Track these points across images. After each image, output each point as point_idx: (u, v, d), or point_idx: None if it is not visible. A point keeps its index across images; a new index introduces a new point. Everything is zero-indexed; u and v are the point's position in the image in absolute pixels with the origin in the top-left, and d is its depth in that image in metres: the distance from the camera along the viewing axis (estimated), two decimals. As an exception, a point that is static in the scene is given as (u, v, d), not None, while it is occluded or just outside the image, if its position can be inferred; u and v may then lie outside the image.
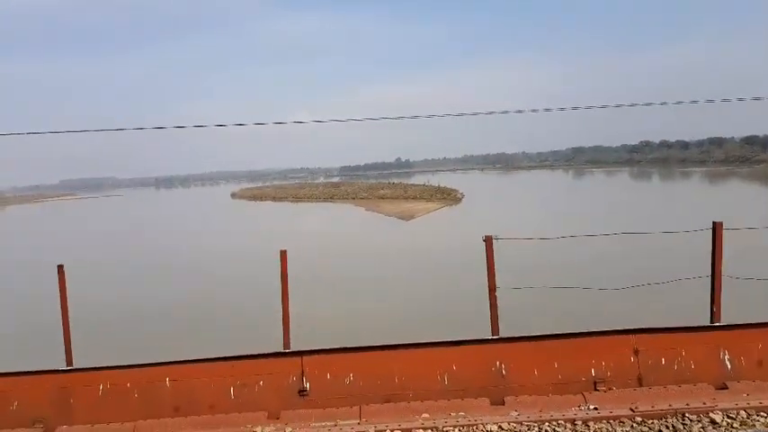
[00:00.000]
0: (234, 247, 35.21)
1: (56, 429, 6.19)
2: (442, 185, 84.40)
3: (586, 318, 11.46)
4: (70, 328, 7.56)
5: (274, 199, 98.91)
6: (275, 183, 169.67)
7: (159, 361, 6.58)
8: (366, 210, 63.73)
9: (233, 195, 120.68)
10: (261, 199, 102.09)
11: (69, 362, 7.40)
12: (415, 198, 72.58)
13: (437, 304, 17.92)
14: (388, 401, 6.39)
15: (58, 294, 7.63)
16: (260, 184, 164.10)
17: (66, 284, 7.25)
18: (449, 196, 72.40)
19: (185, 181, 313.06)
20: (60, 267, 7.65)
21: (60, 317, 7.62)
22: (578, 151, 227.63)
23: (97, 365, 6.63)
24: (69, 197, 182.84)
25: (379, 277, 23.26)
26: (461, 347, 6.69)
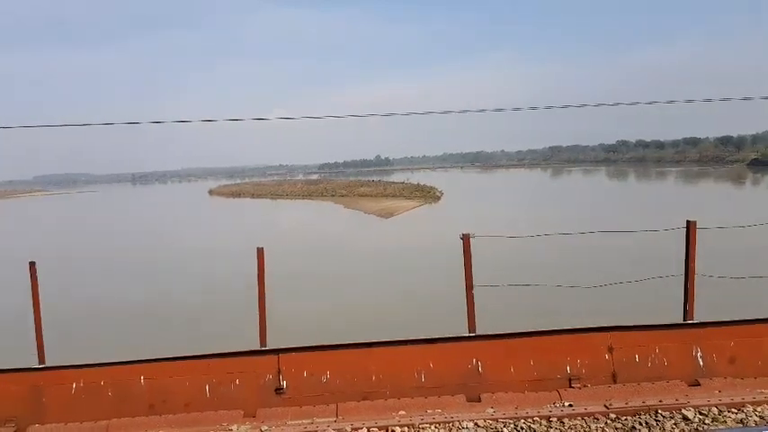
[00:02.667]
0: (210, 245, 34.87)
1: (28, 428, 6.07)
2: (421, 183, 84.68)
3: (562, 316, 11.60)
4: (42, 326, 7.42)
5: (253, 196, 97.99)
6: (254, 180, 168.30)
7: (133, 359, 6.48)
8: (346, 207, 63.62)
9: (210, 192, 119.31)
10: (239, 196, 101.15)
11: (41, 360, 7.26)
12: (394, 196, 72.67)
13: (415, 302, 17.97)
14: (365, 399, 6.39)
15: (30, 292, 7.48)
16: (238, 181, 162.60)
17: (38, 282, 7.10)
18: (428, 194, 72.63)
19: (162, 177, 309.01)
20: (32, 264, 7.50)
21: (32, 314, 7.48)
22: (556, 150, 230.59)
23: (70, 363, 6.51)
24: (42, 193, 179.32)
25: (358, 275, 23.25)
26: (438, 345, 6.71)
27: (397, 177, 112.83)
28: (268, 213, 64.16)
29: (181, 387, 6.38)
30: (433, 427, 5.75)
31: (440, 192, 74.12)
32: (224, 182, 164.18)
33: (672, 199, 53.32)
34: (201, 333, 15.04)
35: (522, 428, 5.67)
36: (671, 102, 10.29)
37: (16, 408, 6.24)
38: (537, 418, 5.82)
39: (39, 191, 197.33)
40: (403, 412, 6.12)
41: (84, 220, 65.95)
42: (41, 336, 7.44)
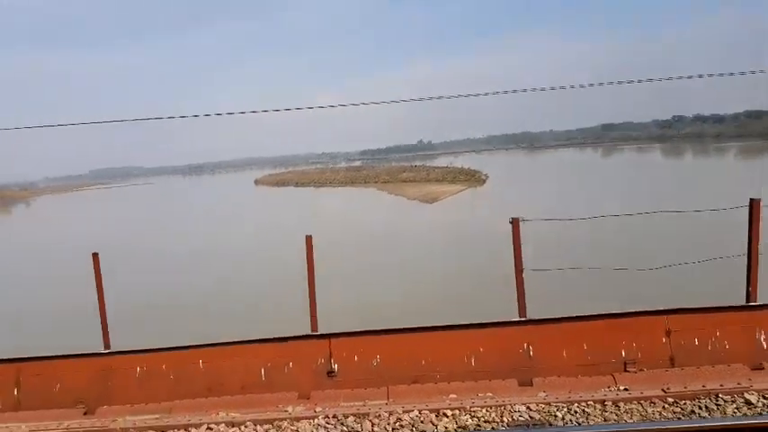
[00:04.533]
0: (258, 234, 35.57)
1: (96, 410, 6.40)
2: (465, 167, 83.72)
3: (616, 299, 11.33)
4: (107, 313, 7.79)
5: (297, 184, 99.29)
6: (298, 168, 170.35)
7: (192, 344, 6.73)
8: (389, 193, 63.72)
9: (256, 182, 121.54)
10: (284, 185, 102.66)
11: (107, 345, 7.64)
12: (437, 180, 72.20)
13: (464, 286, 17.90)
14: (415, 383, 6.45)
15: (94, 281, 7.86)
16: (283, 170, 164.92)
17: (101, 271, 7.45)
18: (472, 178, 71.81)
19: (214, 168, 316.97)
20: (95, 255, 7.87)
21: (97, 302, 7.86)
22: (608, 128, 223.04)
23: (134, 348, 6.82)
24: (99, 186, 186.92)
25: (404, 260, 23.31)
26: (488, 329, 6.69)
27: (441, 162, 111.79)
28: (311, 201, 64.96)
29: (237, 370, 6.59)
30: (484, 411, 5.75)
31: (485, 175, 73.16)
32: (269, 171, 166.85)
33: (733, 176, 50.87)
34: (258, 319, 15.43)
35: (575, 412, 5.60)
36: (725, 75, 9.75)
37: (86, 390, 6.59)
38: (591, 402, 5.74)
39: (96, 185, 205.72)
40: (453, 396, 6.15)
41: (142, 211, 68.42)
42: (106, 322, 7.83)
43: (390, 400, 6.15)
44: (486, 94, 11.32)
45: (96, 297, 7.85)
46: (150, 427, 5.73)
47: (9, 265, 32.05)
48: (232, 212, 55.44)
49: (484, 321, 6.75)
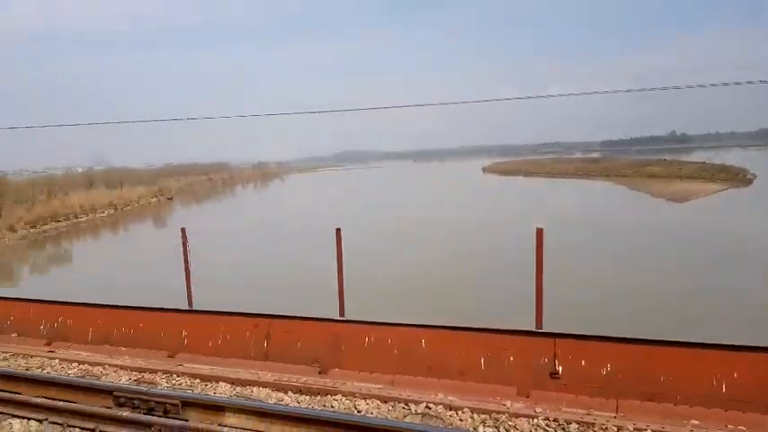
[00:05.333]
0: (483, 222, 35.55)
1: (329, 371, 7.06)
2: (726, 164, 72.31)
3: None
4: (344, 284, 8.55)
5: (526, 174, 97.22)
6: (528, 158, 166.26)
7: (417, 323, 7.00)
8: (629, 189, 58.48)
9: (484, 170, 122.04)
10: (512, 174, 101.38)
11: (341, 313, 8.40)
12: (691, 178, 63.93)
13: (724, 302, 15.62)
14: (650, 400, 5.78)
15: (335, 254, 8.68)
16: (512, 159, 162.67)
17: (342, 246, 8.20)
18: (735, 177, 61.89)
19: (440, 155, 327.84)
20: (338, 230, 8.66)
21: (336, 274, 8.67)
22: None
23: (364, 320, 7.35)
24: (339, 168, 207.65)
25: (654, 264, 21.22)
26: (748, 354, 5.67)
27: (697, 156, 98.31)
28: (540, 193, 62.90)
29: (457, 355, 6.66)
30: (737, 447, 4.88)
31: (752, 174, 62.49)
32: (498, 159, 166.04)
33: None
34: (480, 307, 15.55)
35: None
36: None
37: (321, 351, 7.31)
38: None
39: (336, 166, 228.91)
40: (696, 422, 5.36)
41: (370, 192, 73.84)
42: (343, 292, 8.60)
43: (620, 414, 5.60)
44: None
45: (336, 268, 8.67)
46: (375, 396, 6.10)
47: (266, 228, 37.70)
48: (457, 199, 56.54)
49: (743, 345, 5.75)
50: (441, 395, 6.10)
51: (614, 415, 5.58)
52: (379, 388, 6.38)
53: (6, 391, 6.24)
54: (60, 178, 64.83)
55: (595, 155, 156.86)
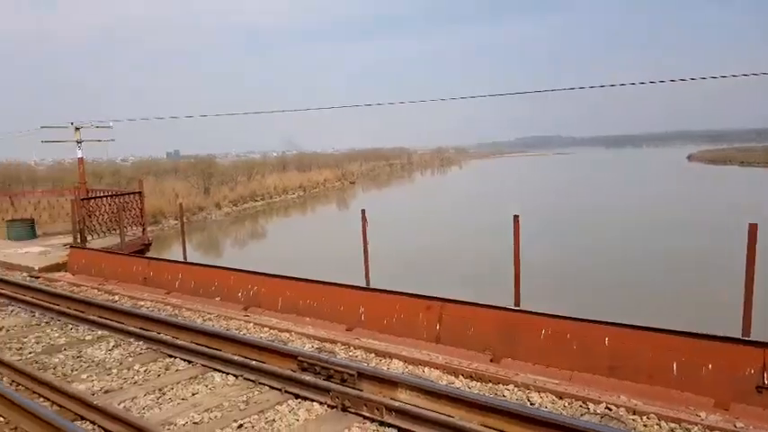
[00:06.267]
0: (691, 218, 31.85)
1: (501, 360, 6.89)
2: None
3: None
4: (520, 273, 8.32)
5: (742, 163, 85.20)
6: (744, 144, 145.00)
7: (600, 319, 6.51)
8: None
9: (689, 157, 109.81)
10: (724, 162, 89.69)
11: (517, 302, 8.17)
12: None
13: None
14: None
15: (513, 241, 8.47)
16: (724, 146, 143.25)
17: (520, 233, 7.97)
18: None
19: (636, 140, 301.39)
20: (516, 218, 8.44)
21: (512, 261, 8.47)
22: None
23: (541, 311, 7.03)
24: (521, 154, 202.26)
25: None
26: None
27: None
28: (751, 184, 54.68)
29: (644, 357, 6.06)
30: None
31: None
32: (705, 147, 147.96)
33: None
34: (671, 306, 14.13)
35: None
36: None
37: (494, 339, 7.15)
38: None
39: (519, 152, 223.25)
40: None
41: (556, 179, 70.55)
42: (519, 281, 8.36)
43: None
44: None
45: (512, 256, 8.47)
46: (549, 391, 5.82)
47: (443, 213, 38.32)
48: (654, 189, 51.55)
49: None
50: (623, 397, 5.63)
51: None
52: (555, 383, 6.07)
53: (211, 348, 7.19)
54: (258, 162, 72.89)
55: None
